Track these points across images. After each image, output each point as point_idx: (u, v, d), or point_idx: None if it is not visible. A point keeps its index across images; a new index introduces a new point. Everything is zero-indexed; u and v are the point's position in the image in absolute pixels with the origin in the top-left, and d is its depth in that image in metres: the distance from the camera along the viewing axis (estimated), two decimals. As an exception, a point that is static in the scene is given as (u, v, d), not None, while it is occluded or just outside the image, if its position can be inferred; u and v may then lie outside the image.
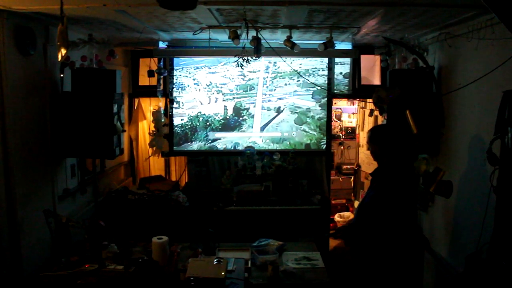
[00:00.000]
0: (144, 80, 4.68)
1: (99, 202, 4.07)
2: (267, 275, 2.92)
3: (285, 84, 4.74)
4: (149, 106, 4.99)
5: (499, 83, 2.41)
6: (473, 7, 2.54)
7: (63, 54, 2.29)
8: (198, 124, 4.77)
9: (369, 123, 5.37)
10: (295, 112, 4.78)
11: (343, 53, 4.42)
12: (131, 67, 4.82)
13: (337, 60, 4.80)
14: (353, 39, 3.96)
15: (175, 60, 4.66)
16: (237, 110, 4.76)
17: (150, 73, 4.38)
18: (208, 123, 4.77)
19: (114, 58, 3.69)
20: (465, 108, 3.06)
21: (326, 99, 4.78)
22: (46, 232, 2.92)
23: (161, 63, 4.46)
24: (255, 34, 3.28)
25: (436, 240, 3.49)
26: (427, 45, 3.59)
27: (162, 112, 4.62)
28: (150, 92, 4.65)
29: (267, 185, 4.51)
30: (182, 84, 4.71)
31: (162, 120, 4.60)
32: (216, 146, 4.80)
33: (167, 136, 4.69)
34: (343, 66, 4.91)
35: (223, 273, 2.68)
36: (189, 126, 4.77)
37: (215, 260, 2.83)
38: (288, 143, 4.82)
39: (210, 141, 4.79)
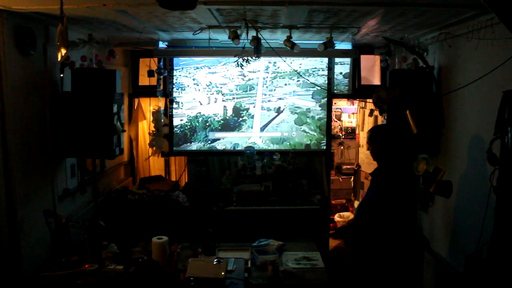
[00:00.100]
0: (144, 80, 4.68)
1: (99, 202, 4.07)
2: (267, 275, 2.92)
3: (285, 84, 4.74)
4: (149, 106, 4.99)
5: (499, 83, 2.41)
6: (473, 7, 2.54)
7: (63, 54, 2.29)
8: (197, 124, 4.76)
9: (369, 123, 5.37)
10: (295, 113, 4.78)
11: (343, 53, 4.42)
12: (131, 67, 4.82)
13: (337, 60, 4.80)
14: (353, 39, 3.96)
15: (175, 60, 4.66)
16: (237, 111, 4.76)
17: (150, 73, 4.38)
18: (207, 124, 4.77)
19: (114, 58, 3.69)
20: (465, 108, 3.06)
21: (326, 99, 4.78)
22: (46, 232, 2.92)
23: (161, 63, 4.46)
24: (255, 34, 3.28)
25: (436, 240, 3.49)
26: (427, 45, 3.59)
27: (162, 112, 4.62)
28: (150, 92, 4.64)
29: (267, 185, 4.52)
30: (182, 84, 4.71)
31: (162, 120, 4.60)
32: (215, 147, 4.79)
33: (167, 136, 4.69)
34: (343, 66, 4.91)
35: (223, 273, 2.68)
36: (188, 127, 4.77)
37: (215, 260, 2.83)
38: (288, 143, 4.81)
39: (209, 142, 4.79)
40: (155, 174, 5.07)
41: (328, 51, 3.62)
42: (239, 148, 4.78)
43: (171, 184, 4.67)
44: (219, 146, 4.80)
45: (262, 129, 4.79)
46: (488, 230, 2.29)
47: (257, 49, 3.31)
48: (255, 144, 4.79)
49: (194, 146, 4.79)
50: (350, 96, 5.20)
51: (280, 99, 4.76)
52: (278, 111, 4.78)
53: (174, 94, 4.70)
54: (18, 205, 2.73)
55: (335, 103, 5.81)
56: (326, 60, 4.67)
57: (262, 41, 3.33)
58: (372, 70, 4.82)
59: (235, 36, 3.20)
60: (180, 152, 4.88)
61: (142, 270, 2.87)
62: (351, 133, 6.22)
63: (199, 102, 4.74)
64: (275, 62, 4.68)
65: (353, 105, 6.18)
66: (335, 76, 4.82)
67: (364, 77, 4.81)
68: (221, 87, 4.73)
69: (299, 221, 4.26)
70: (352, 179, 6.05)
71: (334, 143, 6.00)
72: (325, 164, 4.93)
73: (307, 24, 3.28)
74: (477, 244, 2.37)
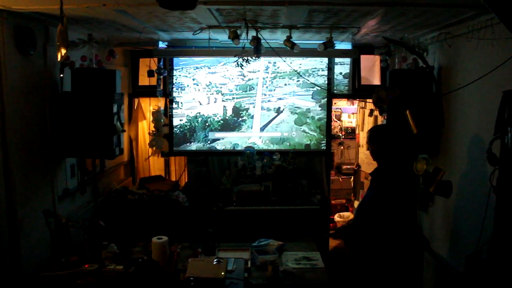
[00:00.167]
0: (144, 80, 4.68)
1: (99, 202, 4.07)
2: (267, 275, 2.92)
3: (285, 84, 4.74)
4: (149, 106, 4.99)
5: (499, 83, 2.41)
6: (473, 7, 2.54)
7: (62, 54, 2.29)
8: (197, 125, 4.76)
9: (369, 123, 5.37)
10: (295, 113, 4.78)
11: (343, 53, 4.42)
12: (131, 67, 4.81)
13: (337, 60, 4.80)
14: (353, 39, 3.96)
15: (175, 60, 4.66)
16: (237, 111, 4.76)
17: (150, 73, 4.37)
18: (207, 124, 4.76)
19: (114, 58, 3.69)
20: (465, 108, 3.06)
21: (326, 99, 4.78)
22: (46, 232, 2.92)
23: (161, 63, 4.46)
24: (255, 34, 3.28)
25: (436, 240, 3.49)
26: (427, 45, 3.59)
27: (162, 112, 4.62)
28: (150, 92, 4.64)
29: (267, 185, 4.52)
30: (181, 84, 4.71)
31: (162, 120, 4.60)
32: (215, 147, 4.79)
33: (166, 136, 4.69)
34: (343, 66, 4.91)
35: (223, 273, 2.68)
36: (188, 127, 4.77)
37: (215, 260, 2.83)
38: (288, 144, 4.81)
39: (209, 142, 4.79)
40: (155, 174, 5.07)
41: (328, 51, 3.62)
42: (239, 148, 4.78)
43: (171, 184, 4.67)
44: (218, 146, 4.79)
45: (262, 129, 4.79)
46: (488, 230, 2.29)
47: (257, 49, 3.31)
48: (255, 144, 4.78)
49: (193, 146, 4.79)
50: (350, 96, 5.20)
51: (280, 99, 4.76)
52: (278, 111, 4.78)
53: (174, 94, 4.70)
54: (18, 205, 2.73)
55: (335, 103, 5.81)
56: (326, 60, 4.67)
57: (262, 41, 3.33)
58: (372, 70, 4.82)
59: (235, 36, 3.20)
60: (180, 152, 4.88)
61: (142, 270, 2.87)
62: (351, 133, 6.22)
63: (199, 102, 4.74)
64: (275, 62, 4.68)
65: (353, 105, 6.18)
66: (335, 76, 4.82)
67: (364, 77, 4.81)
68: (221, 87, 4.73)
69: (299, 221, 4.25)
70: (352, 179, 6.05)
71: (334, 143, 6.00)
72: (325, 164, 4.93)
73: (307, 24, 3.28)
74: (477, 244, 2.37)
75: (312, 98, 4.77)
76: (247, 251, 3.29)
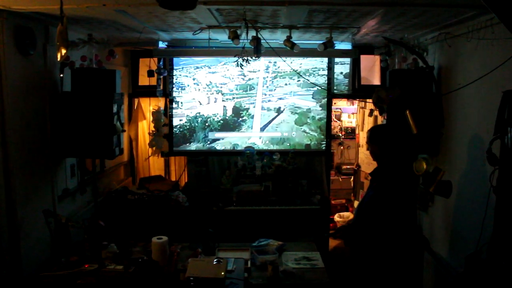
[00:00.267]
0: (144, 80, 4.68)
1: (99, 202, 4.07)
2: (267, 275, 2.92)
3: (285, 84, 4.74)
4: (149, 106, 4.99)
5: (499, 83, 2.41)
6: (473, 7, 2.54)
7: (62, 54, 2.29)
8: (196, 125, 4.76)
9: (369, 123, 5.37)
10: (295, 113, 4.77)
11: (343, 53, 4.42)
12: (131, 67, 4.82)
13: (337, 60, 4.80)
14: (353, 39, 3.96)
15: (175, 60, 4.66)
16: (237, 111, 4.76)
17: (150, 73, 4.37)
18: (207, 124, 4.76)
19: (114, 58, 3.69)
20: (465, 108, 3.06)
21: (326, 99, 4.77)
22: (46, 232, 2.92)
23: (161, 63, 4.46)
24: (255, 34, 3.28)
25: (436, 240, 3.49)
26: (427, 45, 3.59)
27: (162, 112, 4.62)
28: (150, 92, 4.64)
29: (267, 185, 4.52)
30: (182, 84, 4.70)
31: (162, 120, 4.60)
32: (215, 147, 4.79)
33: (166, 136, 4.69)
34: (343, 66, 4.91)
35: (223, 273, 2.68)
36: (188, 127, 4.76)
37: (215, 260, 2.83)
38: (288, 144, 4.81)
39: (209, 142, 4.79)
40: (155, 174, 5.07)
41: (328, 51, 3.62)
42: (239, 148, 4.77)
43: (171, 184, 4.67)
44: (218, 146, 4.79)
45: (262, 129, 4.79)
46: (488, 230, 2.29)
47: (257, 49, 3.31)
48: (255, 144, 4.78)
49: (193, 146, 4.79)
50: (350, 96, 5.20)
51: (280, 99, 4.75)
52: (278, 111, 4.78)
53: (174, 94, 4.70)
54: (18, 205, 2.73)
55: (335, 103, 5.81)
56: (326, 60, 4.67)
57: (262, 41, 3.33)
58: (372, 70, 4.82)
59: (235, 36, 3.20)
60: (180, 152, 4.88)
61: (142, 270, 2.87)
62: (351, 133, 6.22)
63: (199, 102, 4.74)
64: (275, 62, 4.68)
65: (353, 105, 6.18)
66: (335, 76, 4.82)
67: (364, 77, 4.81)
68: (221, 87, 4.73)
69: (299, 221, 4.26)
70: (352, 179, 6.05)
71: (334, 143, 6.00)
72: (325, 164, 4.93)
73: (307, 24, 3.28)
74: (477, 244, 2.37)
75: (312, 98, 4.77)
76: (247, 251, 3.29)
